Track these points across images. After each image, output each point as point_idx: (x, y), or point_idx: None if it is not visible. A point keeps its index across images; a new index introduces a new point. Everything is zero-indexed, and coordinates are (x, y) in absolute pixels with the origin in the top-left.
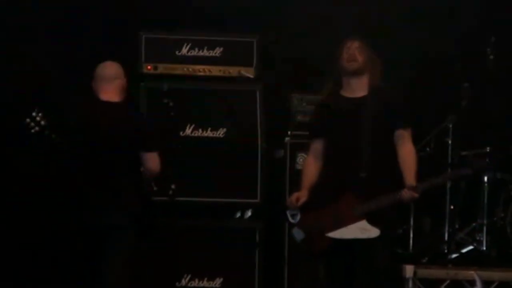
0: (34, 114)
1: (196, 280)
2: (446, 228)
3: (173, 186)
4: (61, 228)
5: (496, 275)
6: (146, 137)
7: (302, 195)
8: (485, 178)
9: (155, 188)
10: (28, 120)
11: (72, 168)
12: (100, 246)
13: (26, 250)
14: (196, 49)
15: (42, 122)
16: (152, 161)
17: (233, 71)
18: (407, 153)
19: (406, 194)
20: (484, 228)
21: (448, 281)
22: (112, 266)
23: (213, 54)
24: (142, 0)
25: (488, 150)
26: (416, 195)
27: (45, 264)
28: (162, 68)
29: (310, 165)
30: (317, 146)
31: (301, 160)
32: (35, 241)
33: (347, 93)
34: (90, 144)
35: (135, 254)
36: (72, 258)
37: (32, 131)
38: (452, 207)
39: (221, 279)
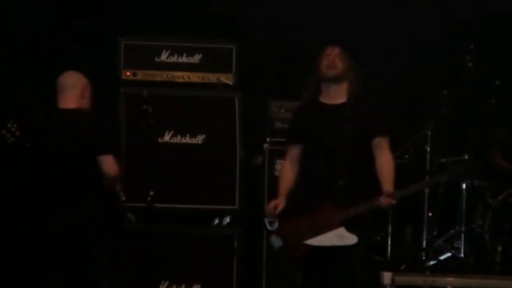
0: (9, 125)
1: (174, 287)
2: (424, 235)
3: (151, 193)
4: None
5: (474, 282)
6: (100, 140)
7: (279, 203)
8: (463, 186)
9: (123, 198)
10: (3, 131)
11: (37, 176)
12: (70, 253)
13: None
14: (175, 56)
15: (17, 133)
16: (108, 164)
17: (212, 77)
18: (385, 161)
19: (384, 201)
20: (462, 235)
21: None
22: (89, 274)
23: (192, 61)
24: (122, 6)
25: (466, 158)
26: (394, 202)
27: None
28: (141, 75)
29: (287, 171)
30: (294, 152)
31: (279, 167)
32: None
33: (326, 99)
34: (48, 152)
35: (110, 260)
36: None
37: (8, 141)
38: (430, 214)
39: (199, 286)
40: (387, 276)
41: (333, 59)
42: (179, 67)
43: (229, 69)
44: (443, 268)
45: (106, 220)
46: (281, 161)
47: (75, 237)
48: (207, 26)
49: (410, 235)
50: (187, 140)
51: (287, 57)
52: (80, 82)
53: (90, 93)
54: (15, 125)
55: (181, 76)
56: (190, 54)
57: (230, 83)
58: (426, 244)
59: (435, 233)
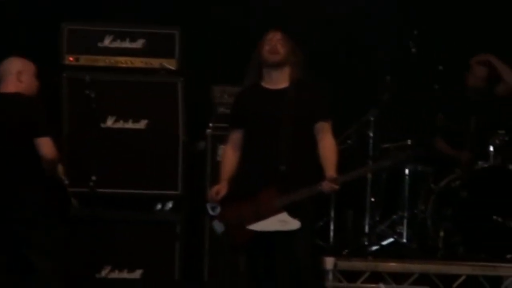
0: None
1: (116, 272)
2: (367, 221)
3: (93, 178)
4: None
5: (416, 267)
6: (35, 122)
7: (221, 188)
8: (406, 171)
9: (66, 181)
10: None
11: None
12: (12, 237)
13: None
14: (118, 41)
15: None
16: (45, 146)
17: (155, 63)
18: (327, 146)
19: (326, 186)
20: (405, 221)
21: (368, 273)
22: (35, 261)
23: (135, 46)
24: None
25: (409, 143)
26: (336, 187)
27: None
28: (84, 60)
29: (228, 156)
30: (236, 137)
31: (222, 152)
32: None
33: (268, 84)
34: None
35: (57, 246)
36: None
37: None
38: (372, 199)
39: (141, 271)
40: (329, 261)
41: (275, 44)
42: (122, 52)
43: (172, 54)
44: (386, 253)
45: (51, 205)
46: (224, 146)
47: (16, 221)
48: (150, 11)
49: (353, 220)
50: (130, 125)
51: (230, 42)
52: (17, 67)
53: (30, 77)
54: None
55: (124, 61)
56: (133, 39)
57: (173, 68)
58: (369, 229)
59: (377, 218)
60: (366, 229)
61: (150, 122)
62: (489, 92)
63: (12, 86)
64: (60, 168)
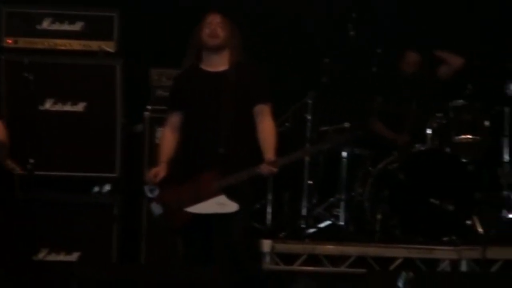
0: None
1: (53, 254)
2: (304, 203)
3: (31, 160)
4: None
5: (353, 250)
6: None
7: (160, 170)
8: (344, 154)
9: (17, 169)
10: None
11: None
12: None
13: None
14: (57, 23)
15: None
16: None
17: (93, 45)
18: (266, 128)
19: (265, 168)
20: (342, 203)
21: (305, 256)
22: None
23: (74, 28)
24: None
25: (347, 126)
26: (275, 169)
27: None
28: (23, 42)
29: (167, 139)
30: (175, 119)
31: (160, 134)
32: None
33: (207, 67)
34: None
35: None
36: None
37: None
38: (310, 182)
39: (79, 253)
40: (266, 244)
41: (214, 27)
42: (61, 35)
43: (111, 37)
44: (323, 236)
45: None
46: (162, 128)
47: None
48: None
49: (290, 203)
50: (68, 107)
51: (169, 25)
52: None
53: None
54: None
55: (62, 44)
56: (72, 21)
57: (112, 51)
58: (306, 212)
59: (315, 201)
60: (304, 211)
61: (88, 104)
62: (425, 75)
63: None
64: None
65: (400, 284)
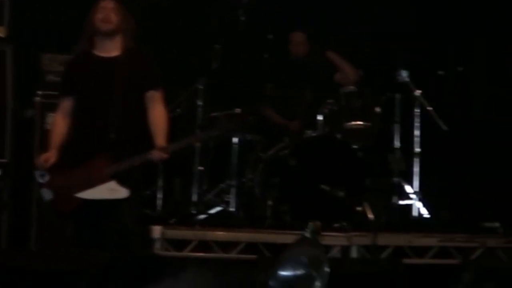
0: None
1: None
2: (195, 189)
3: None
4: None
5: (244, 236)
6: None
7: (50, 155)
8: (235, 140)
9: None
10: None
11: None
12: None
13: None
14: None
15: None
16: None
17: None
18: (157, 114)
19: (156, 154)
20: (233, 189)
21: (196, 242)
22: None
23: None
24: None
25: (238, 112)
26: (165, 155)
27: None
28: None
29: (58, 124)
30: (66, 104)
31: (51, 120)
32: None
33: (100, 52)
34: None
35: None
36: None
37: None
38: (201, 168)
39: None
40: (157, 230)
41: (108, 13)
42: None
43: (1, 21)
44: (213, 222)
45: None
46: (53, 114)
47: None
48: None
49: (180, 189)
50: None
51: (61, 10)
52: None
53: None
54: None
55: None
56: None
57: (2, 35)
58: (197, 198)
59: (205, 187)
60: (194, 198)
61: None
62: (316, 62)
63: None
64: None
65: (307, 234)
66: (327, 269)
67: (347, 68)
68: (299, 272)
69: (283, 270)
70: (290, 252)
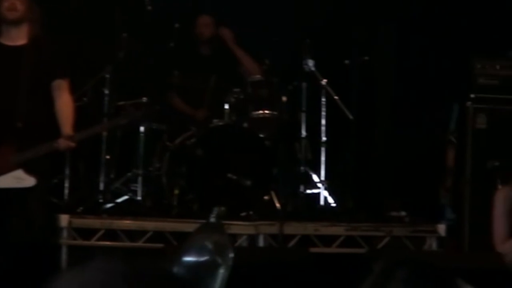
0: None
1: None
2: (102, 178)
3: None
4: None
5: (150, 225)
6: None
7: None
8: (141, 129)
9: None
10: None
11: None
12: None
13: None
14: None
15: None
16: None
17: None
18: (64, 103)
19: (62, 143)
20: (140, 178)
21: (103, 231)
22: None
23: None
24: None
25: (144, 101)
26: (72, 144)
27: None
28: None
29: None
30: None
31: None
32: None
33: (6, 41)
34: None
35: None
36: None
37: None
38: (108, 157)
39: None
40: (64, 219)
41: (13, 1)
42: None
43: None
44: (120, 211)
45: None
46: None
47: None
48: None
49: (87, 178)
50: None
51: None
52: None
53: None
54: None
55: None
56: None
57: None
58: (104, 187)
59: (112, 176)
60: (101, 186)
61: None
62: (221, 50)
63: None
64: None
65: (212, 218)
66: (231, 255)
67: (249, 63)
68: (203, 258)
69: (188, 256)
70: (194, 238)
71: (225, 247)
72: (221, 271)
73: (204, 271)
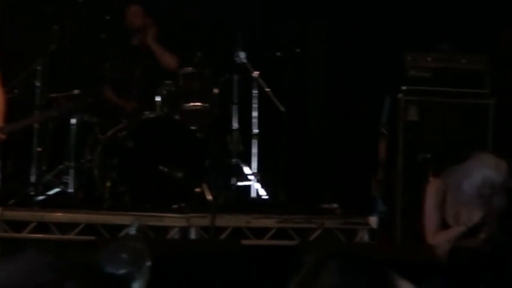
0: None
1: None
2: (33, 170)
3: None
4: None
5: (82, 217)
6: None
7: None
8: (73, 121)
9: None
10: None
11: None
12: None
13: None
14: None
15: None
16: None
17: None
18: None
19: None
20: (71, 171)
21: (34, 223)
22: None
23: None
24: None
25: (76, 93)
26: (3, 136)
27: None
28: None
29: None
30: None
31: None
32: None
33: None
34: None
35: None
36: None
37: None
38: (39, 149)
39: None
40: None
41: None
42: None
43: None
44: (52, 203)
45: None
46: None
47: None
48: None
49: (19, 170)
50: None
51: None
52: None
53: None
54: None
55: None
56: None
57: None
58: (35, 179)
59: (44, 168)
60: (32, 179)
61: None
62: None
63: None
64: None
65: (131, 231)
66: (148, 263)
67: (163, 56)
68: (120, 271)
69: (106, 268)
70: (110, 249)
71: (142, 256)
72: (135, 286)
73: (121, 284)
